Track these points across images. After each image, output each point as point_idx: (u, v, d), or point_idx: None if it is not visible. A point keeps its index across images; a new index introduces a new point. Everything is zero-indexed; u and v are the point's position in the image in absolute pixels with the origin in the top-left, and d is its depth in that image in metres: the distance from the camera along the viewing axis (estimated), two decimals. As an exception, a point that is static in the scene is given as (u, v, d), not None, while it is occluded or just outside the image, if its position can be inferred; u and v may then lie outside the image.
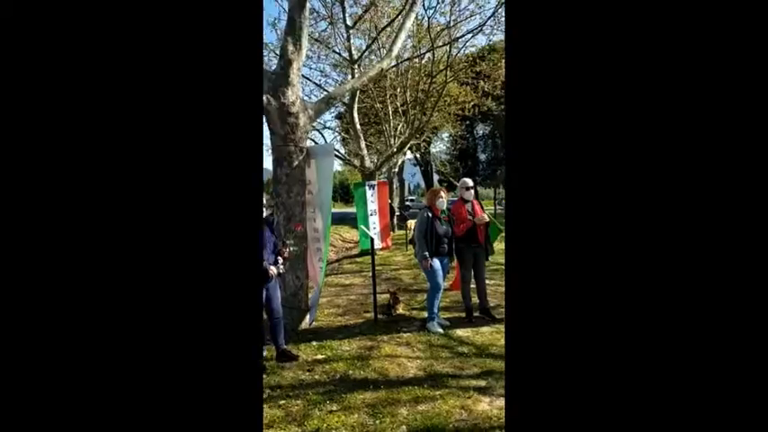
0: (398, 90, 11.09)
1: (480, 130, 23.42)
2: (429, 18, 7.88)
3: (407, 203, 21.02)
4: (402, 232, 10.73)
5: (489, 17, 7.73)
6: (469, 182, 4.00)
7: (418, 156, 19.65)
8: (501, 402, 2.32)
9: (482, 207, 4.13)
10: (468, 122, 16.68)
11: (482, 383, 2.58)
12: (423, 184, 30.04)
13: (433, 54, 8.74)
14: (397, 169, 13.27)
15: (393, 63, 5.72)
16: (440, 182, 19.75)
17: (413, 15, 4.22)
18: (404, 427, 2.12)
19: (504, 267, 6.55)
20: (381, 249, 8.46)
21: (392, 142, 10.98)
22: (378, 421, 2.18)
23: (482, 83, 9.85)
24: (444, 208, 3.78)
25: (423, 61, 10.03)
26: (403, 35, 4.09)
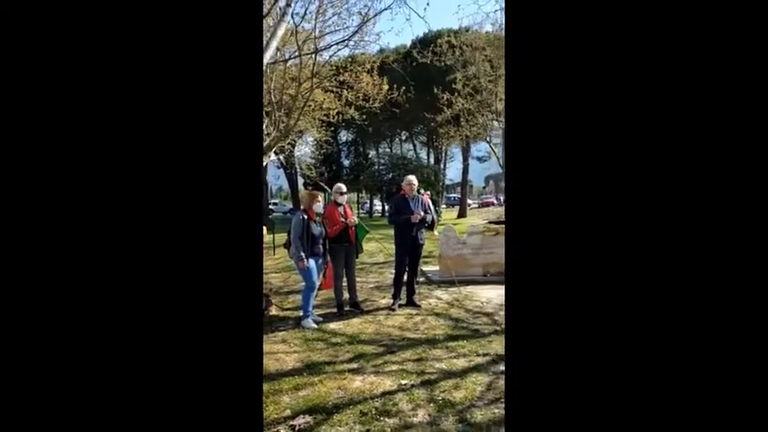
0: (264, 92, 10.87)
1: (344, 136, 24.34)
2: (297, 25, 8.03)
3: (270, 207, 20.50)
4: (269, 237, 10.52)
5: (354, 33, 8.29)
6: (343, 187, 4.40)
7: (282, 158, 19.38)
8: (372, 378, 2.70)
9: (352, 210, 4.54)
10: (332, 128, 17.18)
11: (355, 366, 2.92)
12: (286, 187, 29.52)
13: (301, 60, 8.89)
14: (261, 171, 12.89)
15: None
16: (305, 185, 19.83)
17: (284, 25, 4.37)
18: (288, 410, 2.31)
19: (369, 265, 7.12)
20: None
21: (257, 144, 10.66)
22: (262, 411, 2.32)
23: (345, 92, 10.40)
24: (320, 211, 4.07)
25: (288, 65, 10.06)
26: (274, 43, 4.20)
